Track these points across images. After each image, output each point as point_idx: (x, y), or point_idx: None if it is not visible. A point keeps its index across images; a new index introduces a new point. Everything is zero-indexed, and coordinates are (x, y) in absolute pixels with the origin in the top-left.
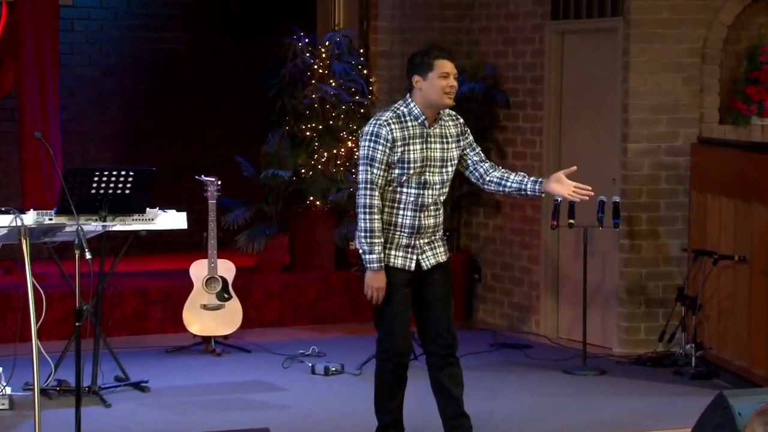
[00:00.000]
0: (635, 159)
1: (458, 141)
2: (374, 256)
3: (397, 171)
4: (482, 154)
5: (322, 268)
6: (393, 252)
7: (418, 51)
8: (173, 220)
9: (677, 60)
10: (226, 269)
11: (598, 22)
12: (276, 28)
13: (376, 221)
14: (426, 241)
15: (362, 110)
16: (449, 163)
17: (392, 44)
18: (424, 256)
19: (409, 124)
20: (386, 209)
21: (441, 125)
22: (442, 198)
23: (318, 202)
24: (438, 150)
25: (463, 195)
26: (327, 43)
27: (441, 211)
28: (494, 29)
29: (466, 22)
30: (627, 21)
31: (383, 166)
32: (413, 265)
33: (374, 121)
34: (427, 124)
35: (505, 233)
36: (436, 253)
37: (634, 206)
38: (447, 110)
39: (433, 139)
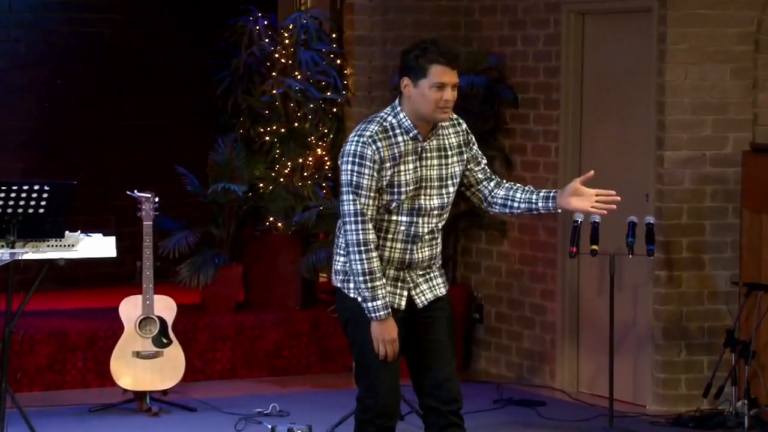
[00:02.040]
0: (673, 170)
1: (461, 153)
2: (378, 302)
3: (386, 197)
4: (488, 170)
5: (285, 306)
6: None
7: (415, 46)
8: (99, 246)
9: (725, 48)
10: (165, 308)
11: (627, 0)
12: (227, 8)
13: (374, 260)
14: (420, 272)
15: (335, 109)
16: (450, 182)
17: (372, 27)
18: (418, 290)
19: (400, 139)
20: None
21: (439, 136)
22: (440, 225)
23: (280, 224)
24: (435, 167)
25: (461, 215)
26: (291, 27)
27: (439, 240)
28: (499, 9)
29: (465, 1)
30: (663, 0)
31: (372, 194)
32: (404, 302)
33: (356, 138)
34: (420, 138)
35: (513, 262)
36: (433, 286)
37: (673, 229)
38: None
39: (429, 155)
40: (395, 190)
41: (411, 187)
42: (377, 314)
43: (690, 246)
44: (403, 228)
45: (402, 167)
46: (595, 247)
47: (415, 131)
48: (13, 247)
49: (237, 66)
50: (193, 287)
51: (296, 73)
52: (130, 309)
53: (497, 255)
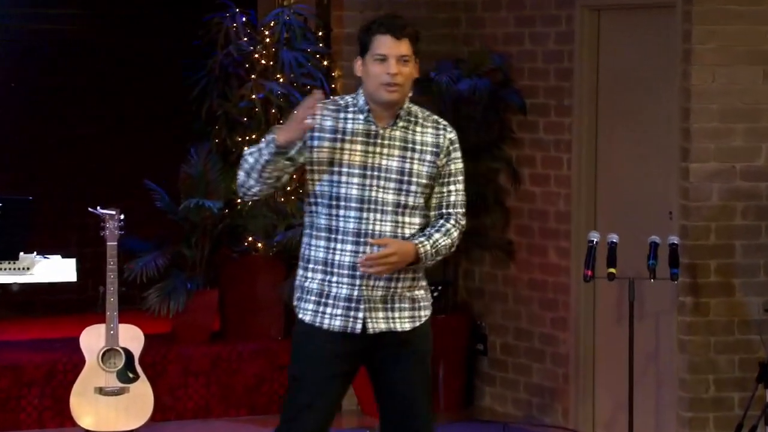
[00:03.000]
0: (700, 184)
1: (435, 154)
2: (262, 143)
3: (325, 178)
4: (452, 199)
5: (266, 335)
6: (329, 310)
7: (363, 25)
8: (57, 269)
9: (757, 47)
10: (131, 338)
11: None
12: (201, 3)
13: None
14: (380, 294)
15: None
16: (414, 180)
17: (363, 24)
18: (372, 314)
19: (350, 116)
20: (316, 241)
21: (408, 129)
22: (408, 231)
23: (260, 244)
24: (396, 158)
25: (463, 234)
26: (272, 24)
27: None
28: (504, 4)
29: None
30: None
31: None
32: (359, 326)
33: None
34: (373, 121)
35: (521, 287)
36: (390, 318)
37: (700, 250)
38: (429, 114)
39: (388, 143)
40: (335, 169)
41: (355, 170)
42: (271, 139)
43: (719, 269)
44: (351, 225)
45: (346, 145)
46: (612, 270)
47: (366, 109)
48: None
49: (212, 67)
50: (162, 315)
51: (278, 76)
52: (92, 340)
53: (503, 279)
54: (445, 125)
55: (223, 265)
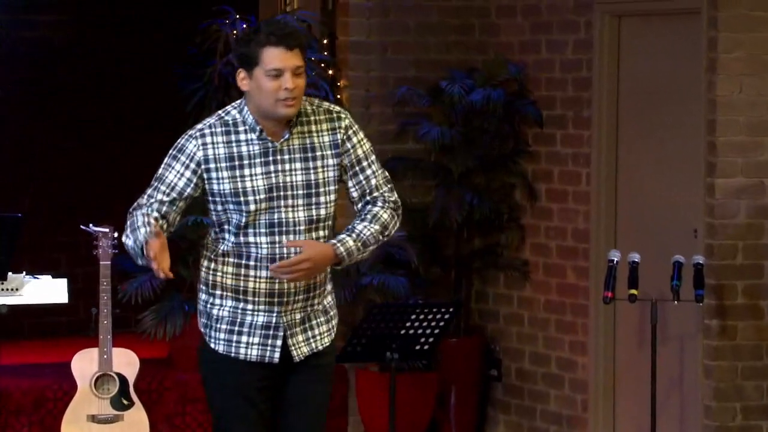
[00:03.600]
0: (727, 201)
1: (337, 156)
2: (139, 238)
3: (231, 207)
4: (373, 182)
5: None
6: (244, 339)
7: (242, 33)
8: (48, 290)
9: None
10: (126, 363)
11: (672, 0)
12: (198, 9)
13: (138, 219)
14: (298, 317)
15: None
16: (323, 190)
17: (369, 32)
18: (294, 341)
19: (242, 137)
20: (223, 267)
21: (303, 134)
22: (322, 242)
23: None
24: (300, 172)
25: (475, 253)
26: None
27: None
28: (519, 9)
29: (478, 0)
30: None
31: (173, 194)
32: (277, 355)
33: (188, 131)
34: (267, 137)
35: (537, 309)
36: (311, 338)
37: (726, 270)
38: (318, 104)
39: (288, 157)
40: (241, 199)
41: (261, 196)
42: (138, 243)
43: (746, 290)
44: (264, 251)
45: (246, 171)
46: (634, 291)
47: (259, 129)
48: None
49: (211, 77)
50: (158, 339)
51: None
52: (84, 365)
53: (518, 301)
54: (337, 112)
55: None
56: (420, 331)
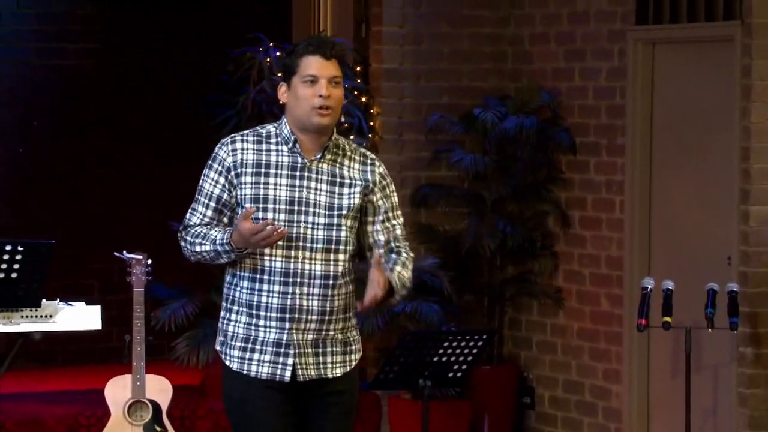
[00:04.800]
0: (761, 229)
1: (366, 190)
2: (218, 237)
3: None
4: (399, 232)
5: None
6: (256, 356)
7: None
8: (81, 317)
9: None
10: (159, 390)
11: (706, 28)
12: (231, 36)
13: (195, 233)
14: (311, 338)
15: None
16: (344, 215)
17: (403, 59)
18: (302, 360)
19: (274, 147)
20: (240, 281)
21: (336, 162)
22: (340, 269)
23: None
24: (325, 193)
25: (508, 280)
26: None
27: (343, 293)
28: (553, 37)
29: (511, 28)
30: (747, 26)
31: (211, 202)
32: (288, 373)
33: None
34: (300, 151)
35: (571, 337)
36: (321, 363)
37: (760, 298)
38: (356, 146)
39: (316, 176)
40: (260, 206)
41: (282, 206)
42: (225, 240)
43: None
44: (278, 264)
45: (272, 180)
46: (668, 319)
47: (293, 139)
48: None
49: (244, 104)
50: (192, 366)
51: None
52: (117, 391)
53: (551, 329)
54: (373, 159)
55: None
56: (453, 359)
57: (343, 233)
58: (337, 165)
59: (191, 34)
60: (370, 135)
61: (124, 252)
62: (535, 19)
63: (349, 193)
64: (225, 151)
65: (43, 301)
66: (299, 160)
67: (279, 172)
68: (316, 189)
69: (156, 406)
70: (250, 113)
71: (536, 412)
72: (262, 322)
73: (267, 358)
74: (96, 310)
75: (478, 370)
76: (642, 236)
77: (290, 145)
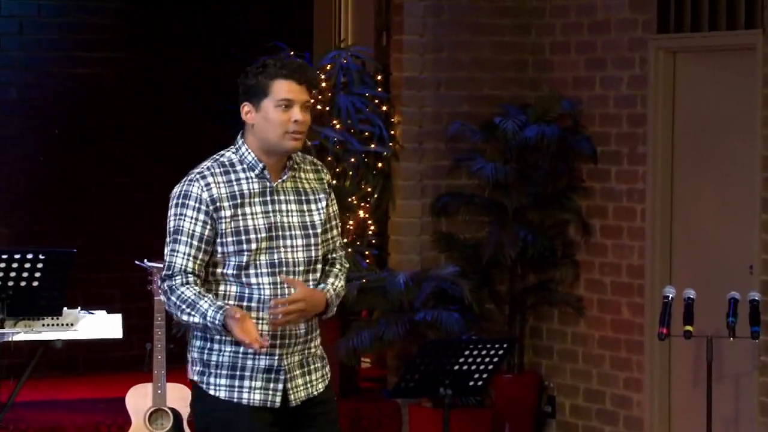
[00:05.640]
0: None
1: (325, 202)
2: (209, 311)
3: (231, 249)
4: (337, 243)
5: None
6: (246, 383)
7: (253, 65)
8: (102, 325)
9: None
10: (180, 398)
11: (727, 36)
12: (252, 45)
13: (188, 295)
14: (297, 359)
15: (380, 164)
16: (317, 232)
17: (423, 68)
18: (293, 384)
19: (242, 175)
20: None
21: (297, 178)
22: (316, 284)
23: None
24: (296, 213)
25: (529, 289)
26: (328, 67)
27: None
28: (573, 46)
29: (532, 36)
30: None
31: (195, 242)
32: (278, 399)
33: (185, 178)
34: (268, 176)
35: (592, 346)
36: (310, 382)
37: None
38: (304, 155)
39: (285, 198)
40: (242, 238)
41: (262, 235)
42: (215, 323)
43: None
44: (267, 292)
45: (248, 210)
46: (689, 328)
47: (261, 166)
48: (2, 327)
49: None
50: None
51: (335, 122)
52: (138, 400)
53: (572, 337)
54: (321, 166)
55: None
56: (474, 367)
57: (317, 251)
58: (298, 181)
59: (214, 45)
60: (390, 144)
61: (145, 260)
62: (555, 27)
63: (317, 209)
64: (198, 187)
65: (64, 309)
66: (267, 185)
67: (252, 200)
68: (288, 211)
69: (177, 415)
70: None
71: (557, 421)
72: (251, 350)
73: (258, 384)
74: (117, 319)
75: (498, 378)
76: (663, 245)
77: (257, 171)
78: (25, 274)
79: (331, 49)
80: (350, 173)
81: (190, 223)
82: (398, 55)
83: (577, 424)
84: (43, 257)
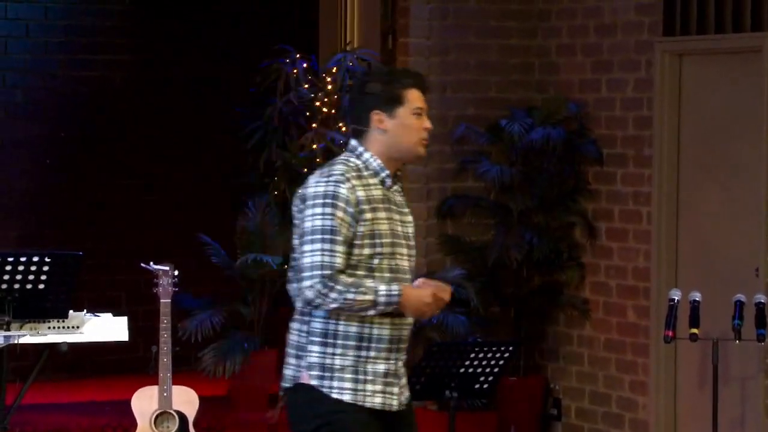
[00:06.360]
0: None
1: (410, 215)
2: (381, 289)
3: (366, 251)
4: None
5: None
6: (369, 387)
7: (371, 75)
8: (108, 328)
9: None
10: (186, 401)
11: (733, 39)
12: (258, 48)
13: (355, 281)
14: (401, 364)
15: None
16: (412, 243)
17: (429, 71)
18: (399, 389)
19: (371, 181)
20: (354, 317)
21: (397, 190)
22: None
23: None
24: (400, 223)
25: (535, 291)
26: (334, 70)
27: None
28: (580, 48)
29: (538, 39)
30: None
31: (345, 242)
32: (395, 402)
33: (323, 179)
34: (388, 183)
35: (597, 348)
36: (405, 386)
37: None
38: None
39: (395, 207)
40: (377, 241)
41: (389, 240)
42: (394, 291)
43: None
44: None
45: (379, 214)
46: (695, 330)
47: (385, 173)
48: (8, 329)
49: (271, 116)
50: (218, 377)
51: (340, 124)
52: (144, 402)
53: (578, 340)
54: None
55: (282, 324)
56: (479, 370)
57: (413, 261)
58: (398, 193)
59: (218, 47)
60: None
61: (151, 263)
62: (562, 30)
63: (411, 221)
64: (346, 189)
65: (70, 312)
66: (386, 192)
67: (379, 206)
68: (400, 221)
69: (183, 417)
70: (277, 123)
71: (563, 424)
72: (373, 354)
73: (378, 388)
74: (123, 321)
75: (504, 381)
76: (669, 247)
77: (381, 177)
78: (31, 277)
79: (337, 52)
80: None
81: (339, 223)
82: (404, 57)
83: (582, 427)
84: (49, 260)
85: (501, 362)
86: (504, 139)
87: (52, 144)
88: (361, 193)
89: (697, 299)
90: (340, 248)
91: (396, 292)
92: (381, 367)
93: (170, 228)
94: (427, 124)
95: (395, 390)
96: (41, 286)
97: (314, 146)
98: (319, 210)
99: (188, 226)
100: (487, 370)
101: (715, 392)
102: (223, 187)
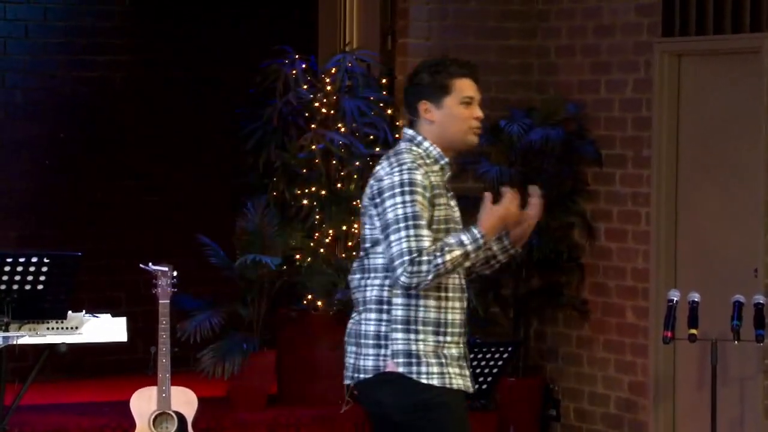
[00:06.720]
0: None
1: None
2: (468, 243)
3: (441, 236)
4: None
5: (326, 401)
6: (451, 369)
7: (422, 65)
8: (107, 329)
9: None
10: (185, 402)
11: (732, 39)
12: (258, 49)
13: (434, 248)
14: (463, 344)
15: None
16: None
17: (427, 64)
18: (469, 372)
19: (433, 169)
20: (425, 301)
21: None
22: None
23: (319, 303)
24: (455, 210)
25: (534, 292)
26: (333, 71)
27: None
28: (579, 49)
29: (537, 40)
30: None
31: (428, 227)
32: (470, 384)
33: (396, 169)
34: (448, 171)
35: (596, 349)
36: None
37: None
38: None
39: (451, 194)
40: (450, 226)
41: (450, 226)
42: (478, 237)
43: None
44: (458, 281)
45: (442, 200)
46: (694, 331)
47: (444, 161)
48: (6, 330)
49: (270, 116)
50: (217, 377)
51: (339, 125)
52: (143, 403)
53: (577, 340)
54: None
55: (281, 324)
56: (478, 371)
57: None
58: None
59: (218, 47)
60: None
61: (150, 264)
62: (561, 31)
63: (458, 207)
64: (421, 175)
65: (69, 312)
66: (444, 179)
67: (442, 191)
68: (455, 207)
69: (181, 418)
70: (276, 124)
71: (562, 425)
72: (448, 339)
73: (456, 371)
74: (121, 322)
75: (503, 382)
76: (668, 248)
77: (441, 164)
78: (30, 278)
79: (336, 53)
80: (355, 176)
81: (421, 208)
82: (403, 58)
83: (581, 428)
84: (48, 261)
85: (500, 363)
86: (503, 139)
87: (51, 144)
88: (431, 179)
89: (696, 300)
90: (425, 232)
91: (477, 231)
92: (454, 350)
93: (170, 228)
94: (478, 112)
95: (467, 372)
96: (40, 287)
97: (313, 147)
98: (399, 199)
99: (188, 226)
100: (486, 370)
101: (713, 393)
102: (222, 188)
